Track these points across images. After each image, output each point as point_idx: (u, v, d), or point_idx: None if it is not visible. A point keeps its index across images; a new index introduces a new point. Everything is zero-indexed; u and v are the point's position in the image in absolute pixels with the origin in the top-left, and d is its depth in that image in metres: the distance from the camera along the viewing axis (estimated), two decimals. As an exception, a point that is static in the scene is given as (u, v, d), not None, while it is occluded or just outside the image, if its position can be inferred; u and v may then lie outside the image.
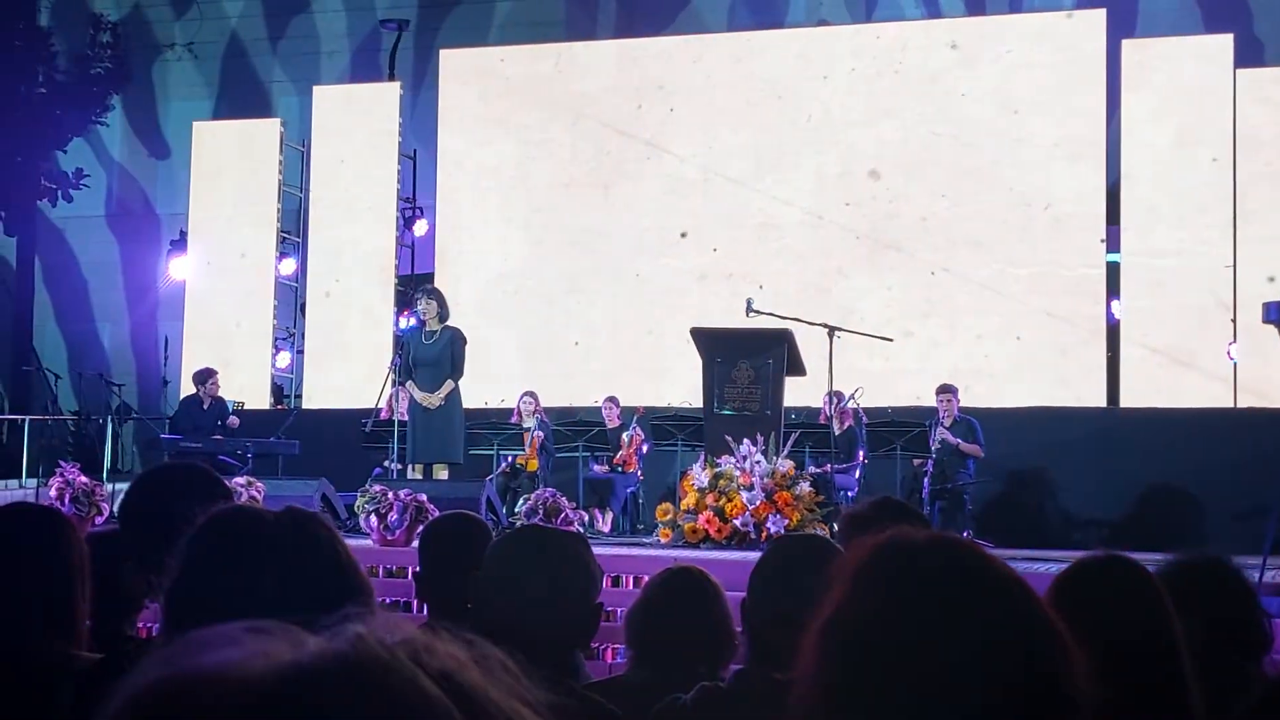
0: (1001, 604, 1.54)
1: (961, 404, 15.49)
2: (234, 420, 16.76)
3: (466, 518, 4.81)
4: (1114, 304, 17.30)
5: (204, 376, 17.10)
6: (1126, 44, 17.41)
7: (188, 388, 18.47)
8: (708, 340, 14.43)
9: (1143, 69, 17.17)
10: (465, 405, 14.84)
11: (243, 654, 0.94)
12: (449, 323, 14.68)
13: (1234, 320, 16.58)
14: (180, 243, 21.09)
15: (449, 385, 14.44)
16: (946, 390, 15.46)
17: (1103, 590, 2.89)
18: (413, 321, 16.22)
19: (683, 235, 18.66)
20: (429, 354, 14.48)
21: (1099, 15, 17.57)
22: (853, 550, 1.63)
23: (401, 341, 15.38)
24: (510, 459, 15.84)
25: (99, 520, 13.18)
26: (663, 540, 13.15)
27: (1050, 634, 1.54)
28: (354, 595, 2.04)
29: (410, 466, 14.68)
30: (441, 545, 4.57)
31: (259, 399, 19.59)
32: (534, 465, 15.64)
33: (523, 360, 18.73)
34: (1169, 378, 16.58)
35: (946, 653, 1.48)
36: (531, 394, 16.47)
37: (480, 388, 16.58)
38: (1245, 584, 3.69)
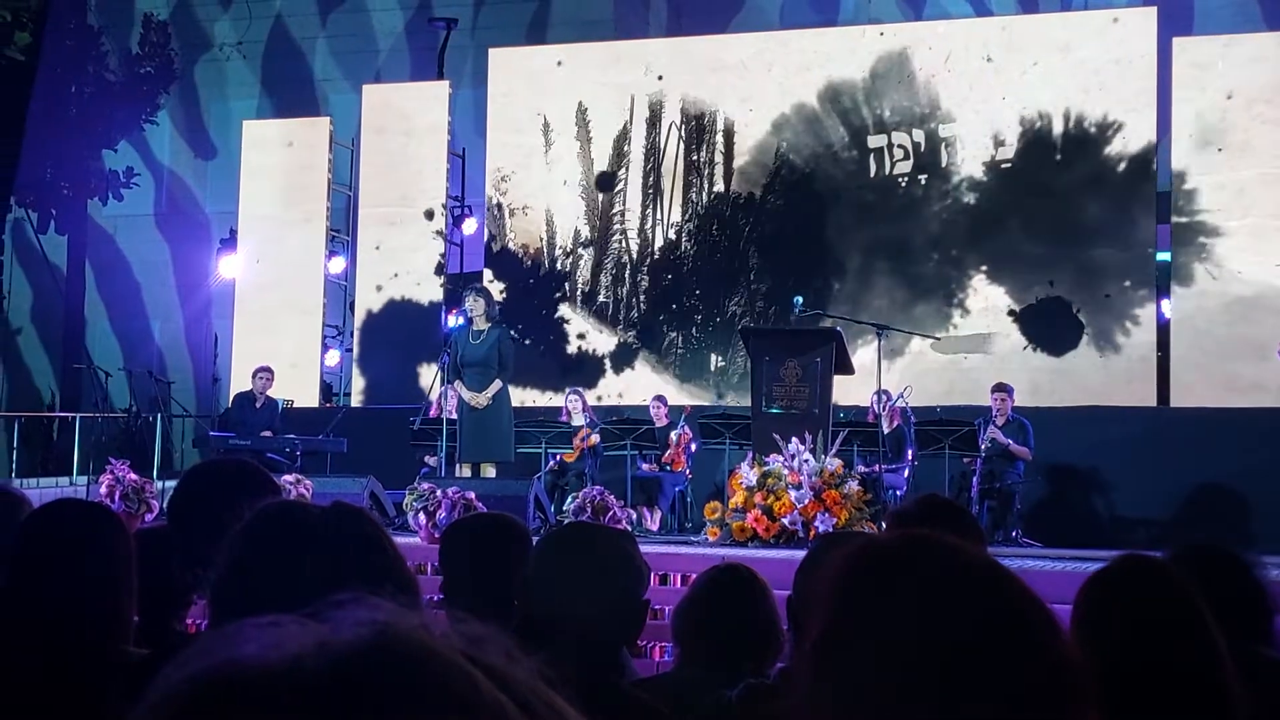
0: (982, 591, 1.53)
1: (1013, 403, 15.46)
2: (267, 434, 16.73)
3: (491, 519, 4.78)
4: (1164, 303, 17.21)
5: (255, 372, 17.21)
6: (1177, 41, 17.30)
7: (237, 385, 18.55)
8: (756, 339, 14.46)
9: (1193, 67, 17.07)
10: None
11: (282, 642, 0.94)
12: (497, 322, 14.72)
13: (1286, 319, 16.50)
14: (230, 241, 21.18)
15: (496, 384, 14.46)
16: (1001, 389, 15.39)
17: (1128, 593, 2.86)
18: (460, 320, 16.23)
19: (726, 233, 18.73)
20: (477, 354, 14.50)
21: (1150, 13, 17.48)
22: (826, 567, 1.61)
23: (449, 340, 15.39)
24: (558, 457, 15.86)
25: (149, 517, 13.25)
26: (711, 538, 13.15)
27: (1037, 612, 1.52)
28: (400, 589, 2.04)
29: (459, 465, 14.70)
30: (464, 547, 4.54)
31: (308, 397, 19.67)
32: (571, 457, 15.66)
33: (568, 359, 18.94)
34: (1219, 377, 16.48)
35: (934, 652, 1.47)
36: (577, 392, 16.50)
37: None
38: (1246, 566, 3.66)
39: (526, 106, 19.76)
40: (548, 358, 19.00)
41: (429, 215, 19.80)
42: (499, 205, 19.75)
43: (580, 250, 19.31)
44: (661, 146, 19.12)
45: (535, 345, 18.98)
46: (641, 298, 18.98)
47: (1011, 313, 17.61)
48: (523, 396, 18.20)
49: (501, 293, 18.71)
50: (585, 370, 18.82)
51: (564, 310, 19.28)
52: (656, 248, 18.98)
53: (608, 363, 18.91)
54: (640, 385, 18.43)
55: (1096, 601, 2.86)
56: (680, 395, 18.03)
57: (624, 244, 19.15)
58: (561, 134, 19.58)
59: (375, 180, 20.20)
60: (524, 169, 19.66)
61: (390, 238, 19.99)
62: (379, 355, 19.75)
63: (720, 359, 18.14)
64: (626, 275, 19.10)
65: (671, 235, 18.94)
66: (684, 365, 18.68)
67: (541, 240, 19.52)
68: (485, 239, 19.89)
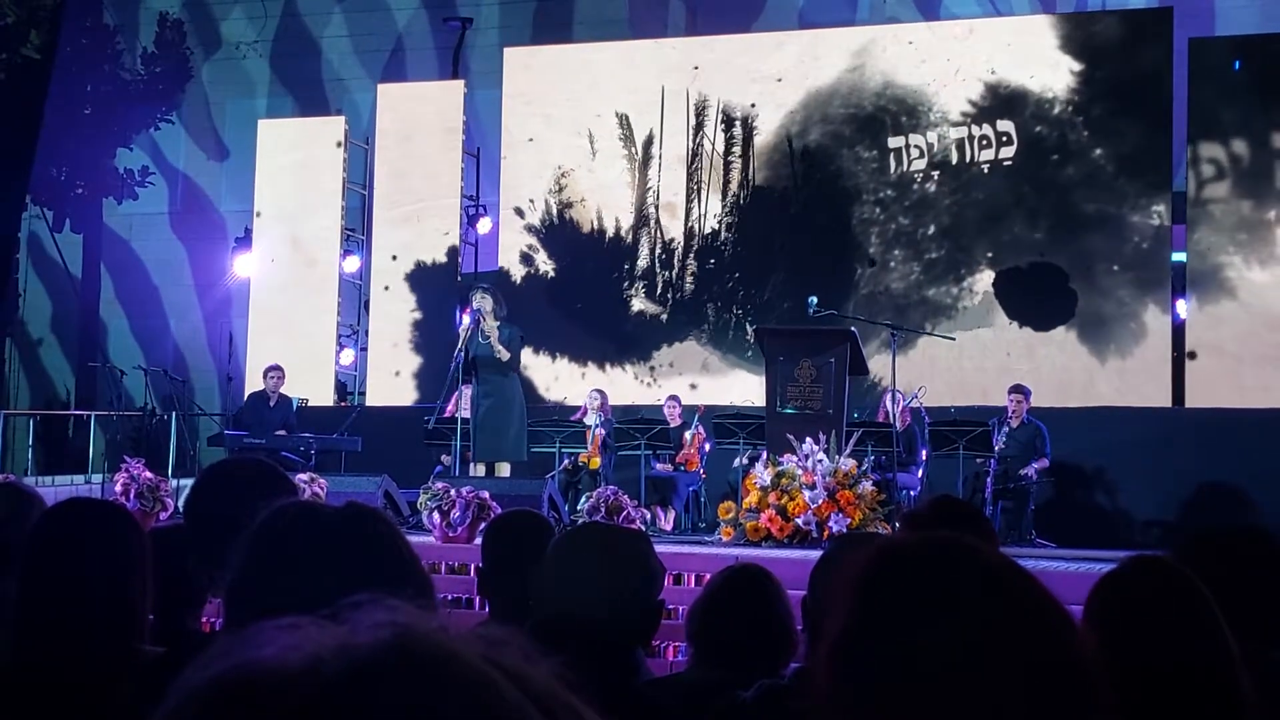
0: (1001, 593, 1.53)
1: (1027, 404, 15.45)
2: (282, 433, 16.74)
3: (530, 515, 4.80)
4: (1179, 303, 17.19)
5: (266, 371, 17.24)
6: (1193, 41, 17.29)
7: (252, 384, 18.57)
8: (771, 339, 14.46)
9: (1209, 66, 17.05)
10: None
11: (301, 644, 0.94)
12: (508, 320, 14.72)
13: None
14: (245, 240, 21.20)
15: (505, 354, 14.46)
16: (1018, 390, 15.35)
17: (1137, 594, 2.83)
18: (468, 321, 16.20)
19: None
20: (489, 351, 14.50)
21: (1167, 13, 17.48)
22: (845, 568, 1.61)
23: (463, 337, 15.32)
24: (571, 456, 15.86)
25: (163, 515, 13.25)
26: (725, 538, 13.14)
27: (1056, 614, 1.52)
28: (415, 590, 2.04)
29: (473, 464, 14.69)
30: (505, 542, 4.57)
31: (322, 396, 19.69)
32: (596, 463, 15.64)
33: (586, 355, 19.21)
34: (1234, 377, 16.46)
35: (954, 653, 1.47)
36: (600, 391, 16.51)
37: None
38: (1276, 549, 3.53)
39: (538, 106, 19.82)
40: (604, 335, 19.40)
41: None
42: (554, 197, 19.90)
43: (630, 236, 19.59)
44: (693, 144, 19.33)
45: (593, 323, 19.43)
46: (689, 280, 19.36)
47: (997, 280, 17.91)
48: (583, 371, 19.23)
49: (556, 270, 19.68)
50: (641, 344, 19.32)
51: (620, 290, 19.58)
52: (701, 235, 19.37)
53: (660, 336, 19.32)
54: (689, 357, 19.02)
55: (1106, 603, 2.84)
56: (723, 366, 18.78)
57: (660, 235, 19.44)
58: (593, 131, 19.71)
59: (390, 179, 20.23)
60: (578, 164, 19.87)
61: (409, 235, 20.05)
62: (431, 352, 19.85)
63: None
64: (675, 259, 19.43)
65: (711, 225, 19.31)
66: (727, 341, 19.04)
67: (593, 227, 19.73)
68: (543, 227, 19.97)
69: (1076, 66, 17.79)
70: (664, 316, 19.29)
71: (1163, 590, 2.78)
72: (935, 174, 18.24)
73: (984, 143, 18.10)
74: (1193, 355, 16.76)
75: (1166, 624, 2.71)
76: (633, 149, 19.58)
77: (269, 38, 24.03)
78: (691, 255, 19.32)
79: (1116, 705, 1.54)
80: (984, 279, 17.98)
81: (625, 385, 18.87)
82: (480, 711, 0.92)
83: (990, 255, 17.98)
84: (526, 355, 18.55)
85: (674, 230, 19.41)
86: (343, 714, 0.90)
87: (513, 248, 19.96)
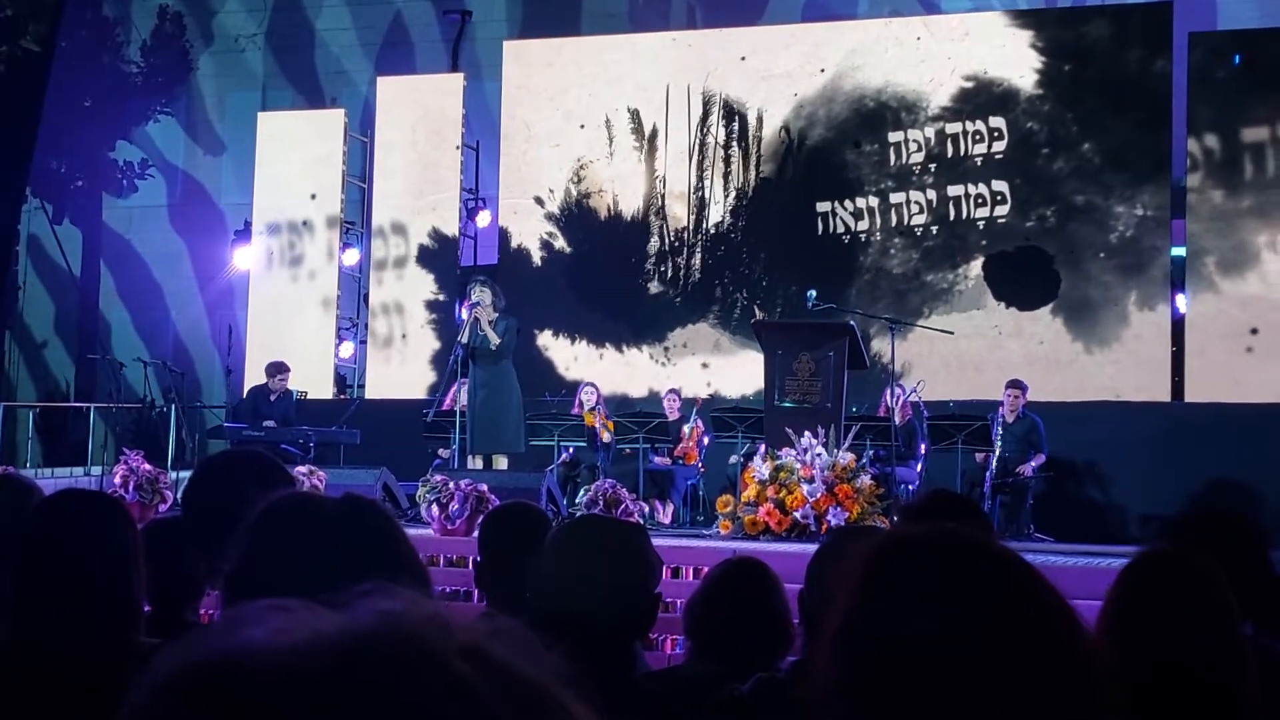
0: (1006, 587, 1.53)
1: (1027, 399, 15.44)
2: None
3: (528, 507, 4.79)
4: (1179, 298, 17.19)
5: (274, 370, 17.19)
6: (1193, 35, 17.28)
7: (252, 378, 18.56)
8: (769, 332, 14.45)
9: (1206, 61, 17.07)
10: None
11: (281, 630, 0.94)
12: (506, 313, 14.71)
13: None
14: (244, 233, 21.19)
15: (496, 339, 14.45)
16: (1015, 385, 15.36)
17: (1162, 589, 2.82)
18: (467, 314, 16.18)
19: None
20: (485, 343, 14.49)
21: (1166, 8, 17.48)
22: (853, 556, 1.61)
23: (463, 329, 15.29)
24: (571, 450, 15.86)
25: (163, 507, 13.25)
26: (723, 532, 13.13)
27: (1061, 609, 1.52)
28: (413, 581, 2.04)
29: (470, 456, 14.69)
30: (502, 535, 4.56)
31: (321, 388, 19.68)
32: (610, 428, 15.69)
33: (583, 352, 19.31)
34: (1235, 371, 16.46)
35: (959, 645, 1.47)
36: (594, 385, 16.52)
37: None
38: (1260, 540, 3.51)
39: (537, 100, 19.86)
40: (621, 318, 19.51)
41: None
42: (573, 188, 19.97)
43: (643, 224, 19.72)
44: (700, 137, 19.43)
45: (611, 306, 19.55)
46: (698, 267, 19.54)
47: (987, 264, 18.14)
48: (601, 352, 19.50)
49: (575, 257, 19.89)
50: (656, 326, 19.47)
51: (635, 275, 19.68)
52: (708, 224, 19.54)
53: (673, 319, 19.48)
54: (701, 338, 19.25)
55: (1126, 599, 2.83)
56: (733, 347, 18.97)
57: (670, 224, 19.58)
58: (569, 124, 19.70)
59: (389, 172, 20.22)
60: (595, 157, 19.98)
61: (409, 227, 20.08)
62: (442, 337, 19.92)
63: (769, 319, 18.40)
64: (685, 247, 19.60)
65: (719, 215, 19.49)
66: (735, 323, 19.16)
67: (609, 215, 19.86)
68: (562, 215, 20.01)
69: (1068, 65, 17.94)
70: (677, 300, 19.43)
71: (1186, 584, 2.78)
72: (932, 166, 18.40)
73: (977, 137, 18.25)
74: (1255, 330, 16.74)
75: (1183, 616, 2.71)
76: (642, 141, 19.62)
77: (270, 30, 23.98)
78: (700, 243, 19.48)
79: (1128, 698, 1.54)
80: (977, 264, 18.21)
81: (641, 366, 19.19)
82: (455, 700, 0.92)
83: (984, 243, 18.16)
84: (546, 337, 18.83)
85: (683, 219, 19.53)
86: (324, 699, 0.90)
87: (530, 235, 20.04)
